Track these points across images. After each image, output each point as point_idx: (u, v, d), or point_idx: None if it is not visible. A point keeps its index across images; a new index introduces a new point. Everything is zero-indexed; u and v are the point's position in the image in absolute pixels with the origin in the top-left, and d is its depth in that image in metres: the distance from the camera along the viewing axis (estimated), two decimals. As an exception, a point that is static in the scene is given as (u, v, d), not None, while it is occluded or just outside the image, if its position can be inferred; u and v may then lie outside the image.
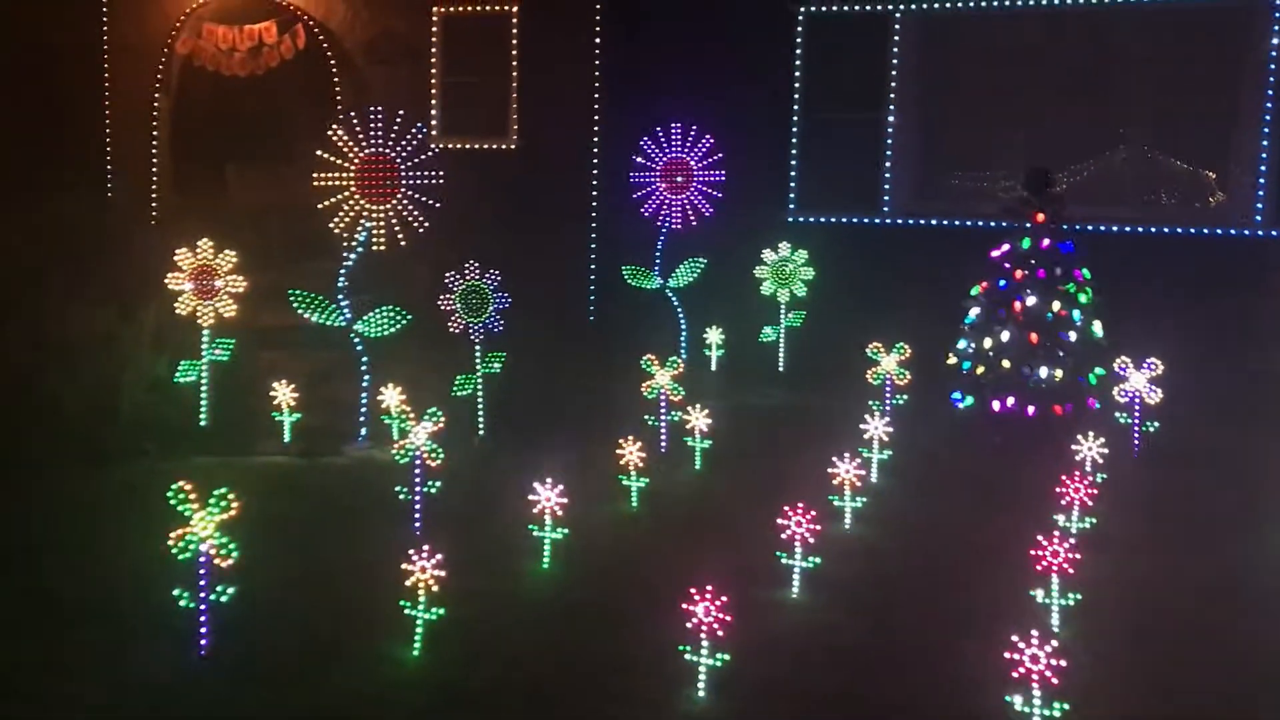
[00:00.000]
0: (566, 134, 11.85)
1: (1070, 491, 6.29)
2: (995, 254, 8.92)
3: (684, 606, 4.74)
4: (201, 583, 5.11)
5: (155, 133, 12.48)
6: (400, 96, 11.41)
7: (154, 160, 12.51)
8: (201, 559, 5.07)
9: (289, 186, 11.89)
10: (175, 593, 5.06)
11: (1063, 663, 4.28)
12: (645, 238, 10.64)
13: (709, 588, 4.73)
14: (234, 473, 7.58)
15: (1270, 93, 10.38)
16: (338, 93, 12.21)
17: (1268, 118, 10.39)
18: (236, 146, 12.36)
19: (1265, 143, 10.41)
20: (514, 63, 12.01)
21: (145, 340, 8.80)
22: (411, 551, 5.16)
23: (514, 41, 11.96)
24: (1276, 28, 10.36)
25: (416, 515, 6.68)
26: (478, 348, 8.71)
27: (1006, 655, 4.36)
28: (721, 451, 7.83)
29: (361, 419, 8.62)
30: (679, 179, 10.45)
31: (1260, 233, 10.40)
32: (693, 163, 10.40)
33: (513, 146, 12.11)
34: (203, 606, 5.13)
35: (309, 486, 7.64)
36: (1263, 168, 10.44)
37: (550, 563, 6.12)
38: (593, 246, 11.91)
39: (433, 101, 12.19)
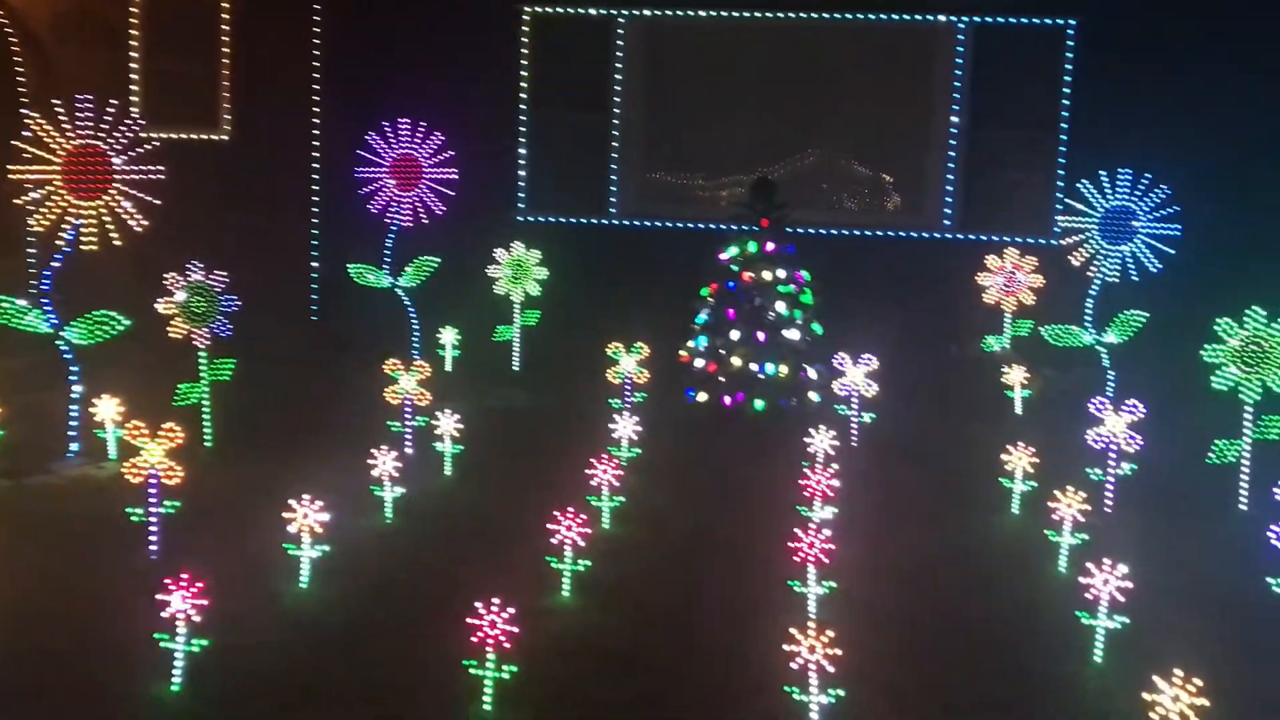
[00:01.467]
0: (284, 126, 11.34)
1: (813, 483, 6.67)
2: (723, 257, 9.39)
3: (468, 620, 4.67)
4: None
5: None
6: (96, 81, 10.50)
7: None
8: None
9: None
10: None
11: (837, 651, 4.55)
12: (373, 235, 10.35)
13: (494, 599, 4.69)
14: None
15: (956, 108, 11.37)
16: (20, 74, 11.13)
17: (954, 131, 11.38)
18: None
19: (952, 154, 11.40)
20: (225, 50, 11.36)
21: None
22: (168, 580, 4.84)
23: (225, 27, 11.32)
24: (960, 48, 11.34)
25: (153, 538, 6.24)
26: (202, 354, 8.20)
27: (785, 648, 4.59)
28: (470, 456, 7.75)
29: (72, 433, 7.93)
30: (408, 176, 10.22)
31: (949, 235, 11.42)
32: (422, 159, 10.20)
33: (225, 138, 11.48)
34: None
35: (20, 511, 6.95)
36: (950, 176, 11.44)
37: (310, 582, 5.88)
38: (314, 243, 11.48)
39: (133, 88, 11.36)
